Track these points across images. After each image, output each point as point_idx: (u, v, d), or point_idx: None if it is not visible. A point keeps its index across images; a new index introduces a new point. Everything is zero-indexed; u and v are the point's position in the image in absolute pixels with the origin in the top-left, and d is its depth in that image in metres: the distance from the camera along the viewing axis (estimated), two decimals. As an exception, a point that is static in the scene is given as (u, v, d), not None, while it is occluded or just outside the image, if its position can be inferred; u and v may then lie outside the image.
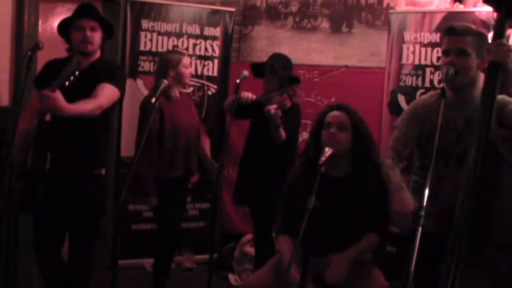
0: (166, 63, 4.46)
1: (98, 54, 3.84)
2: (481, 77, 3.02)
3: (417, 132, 3.16)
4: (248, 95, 4.34)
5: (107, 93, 3.60)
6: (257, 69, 4.64)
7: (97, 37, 3.74)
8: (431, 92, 3.35)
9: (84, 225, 3.82)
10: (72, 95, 3.47)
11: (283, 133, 4.30)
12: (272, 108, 4.18)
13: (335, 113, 3.35)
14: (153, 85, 4.57)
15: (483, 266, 2.66)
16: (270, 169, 4.46)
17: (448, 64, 2.93)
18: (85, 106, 3.47)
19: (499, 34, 2.80)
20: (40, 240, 3.82)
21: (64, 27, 3.77)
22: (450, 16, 4.86)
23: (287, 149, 4.43)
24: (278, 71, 4.46)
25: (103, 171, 3.85)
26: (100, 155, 3.83)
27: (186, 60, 4.54)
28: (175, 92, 4.48)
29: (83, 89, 3.56)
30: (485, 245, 2.65)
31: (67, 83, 3.18)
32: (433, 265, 2.61)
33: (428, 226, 2.32)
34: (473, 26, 3.12)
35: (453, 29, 3.03)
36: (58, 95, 3.23)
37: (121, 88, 3.76)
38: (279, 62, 4.58)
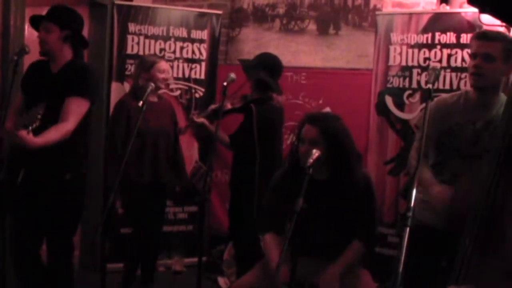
0: (140, 65, 4.43)
1: (66, 56, 3.75)
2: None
3: (437, 131, 3.17)
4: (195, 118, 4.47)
5: (75, 110, 3.56)
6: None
7: (51, 37, 3.65)
8: (453, 93, 3.38)
9: (54, 231, 3.78)
10: (47, 98, 3.46)
11: (223, 137, 4.37)
12: (195, 113, 4.47)
13: (307, 127, 3.25)
14: (130, 87, 4.56)
15: (497, 258, 2.67)
16: (234, 174, 4.53)
17: (473, 67, 3.02)
18: (54, 136, 3.46)
19: None
20: (16, 247, 3.80)
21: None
22: (437, 17, 4.87)
23: (243, 154, 4.41)
24: (246, 72, 4.43)
25: (68, 176, 3.72)
26: (63, 159, 3.72)
27: (161, 64, 4.45)
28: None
29: (56, 92, 3.55)
30: (499, 239, 2.66)
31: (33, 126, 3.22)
32: (438, 261, 2.63)
33: (439, 224, 2.32)
34: (506, 33, 3.15)
35: (484, 34, 3.09)
36: (30, 138, 3.24)
37: (90, 96, 3.67)
38: (255, 61, 4.49)
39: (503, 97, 3.12)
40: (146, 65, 4.37)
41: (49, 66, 3.74)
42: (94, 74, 3.81)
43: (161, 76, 4.39)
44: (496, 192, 2.61)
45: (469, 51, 3.41)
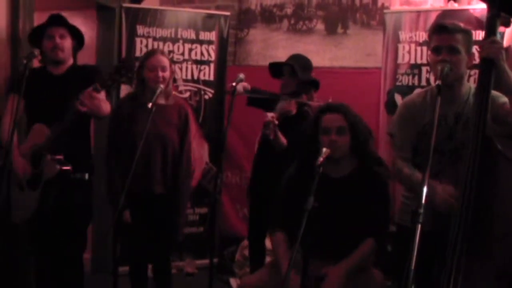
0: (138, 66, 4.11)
1: (70, 61, 3.91)
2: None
3: (414, 132, 3.15)
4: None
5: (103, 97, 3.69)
6: (276, 69, 4.45)
7: (66, 44, 3.82)
8: (417, 91, 3.37)
9: (69, 232, 3.83)
10: (52, 101, 3.50)
11: (282, 140, 4.12)
12: (269, 115, 4.03)
13: (330, 116, 3.29)
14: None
15: (486, 259, 2.66)
16: (274, 176, 4.07)
17: (442, 62, 2.94)
18: (108, 108, 3.79)
19: (491, 31, 2.81)
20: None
21: (36, 39, 3.86)
22: (445, 14, 4.86)
23: (290, 158, 4.30)
24: (298, 73, 4.27)
25: (86, 176, 3.86)
26: (83, 159, 3.87)
27: (151, 61, 3.97)
28: (145, 98, 3.84)
29: (66, 94, 3.58)
30: (486, 238, 2.65)
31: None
32: (428, 263, 2.61)
33: (424, 224, 2.31)
34: (461, 24, 3.12)
35: (444, 27, 3.05)
36: (102, 96, 3.50)
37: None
38: (299, 63, 4.35)
39: (467, 87, 3.12)
40: (138, 66, 4.07)
41: (47, 71, 3.85)
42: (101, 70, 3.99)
43: (152, 74, 3.93)
44: (477, 188, 2.60)
45: (477, 47, 3.39)
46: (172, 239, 4.27)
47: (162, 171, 4.03)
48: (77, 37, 3.93)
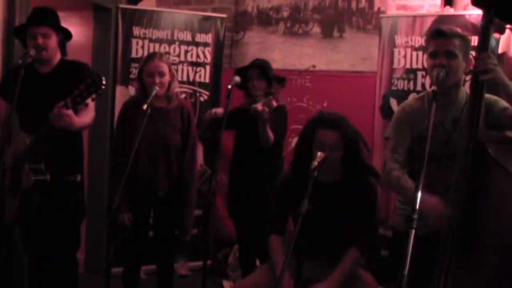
0: (138, 70, 4.16)
1: (58, 57, 3.82)
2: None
3: (410, 137, 3.16)
4: (217, 110, 4.39)
5: (90, 103, 3.58)
6: (243, 75, 4.40)
7: (51, 42, 3.71)
8: (414, 96, 3.36)
9: (64, 233, 3.80)
10: (43, 99, 3.46)
11: (271, 135, 4.17)
12: (259, 105, 4.07)
13: (327, 132, 3.23)
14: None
15: (477, 265, 2.66)
16: (259, 176, 4.33)
17: (438, 66, 2.94)
18: (87, 120, 3.64)
19: (485, 38, 2.80)
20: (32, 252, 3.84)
21: (22, 35, 3.79)
22: (441, 19, 4.87)
23: (275, 153, 4.38)
24: (269, 73, 4.38)
25: (79, 177, 3.83)
26: (74, 161, 3.83)
27: (149, 66, 3.99)
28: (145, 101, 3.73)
29: (55, 92, 3.53)
30: (478, 244, 2.65)
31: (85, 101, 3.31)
32: (425, 268, 2.61)
33: (421, 230, 2.31)
34: (458, 29, 3.13)
35: (442, 32, 3.05)
36: (72, 112, 3.33)
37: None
38: (265, 64, 4.48)
39: (463, 92, 3.12)
40: (139, 70, 4.12)
41: (34, 69, 3.76)
42: (90, 67, 3.94)
43: (149, 80, 3.95)
44: (468, 193, 2.61)
45: (473, 53, 3.40)
46: (175, 241, 4.30)
47: (167, 176, 4.06)
48: (63, 31, 3.81)
